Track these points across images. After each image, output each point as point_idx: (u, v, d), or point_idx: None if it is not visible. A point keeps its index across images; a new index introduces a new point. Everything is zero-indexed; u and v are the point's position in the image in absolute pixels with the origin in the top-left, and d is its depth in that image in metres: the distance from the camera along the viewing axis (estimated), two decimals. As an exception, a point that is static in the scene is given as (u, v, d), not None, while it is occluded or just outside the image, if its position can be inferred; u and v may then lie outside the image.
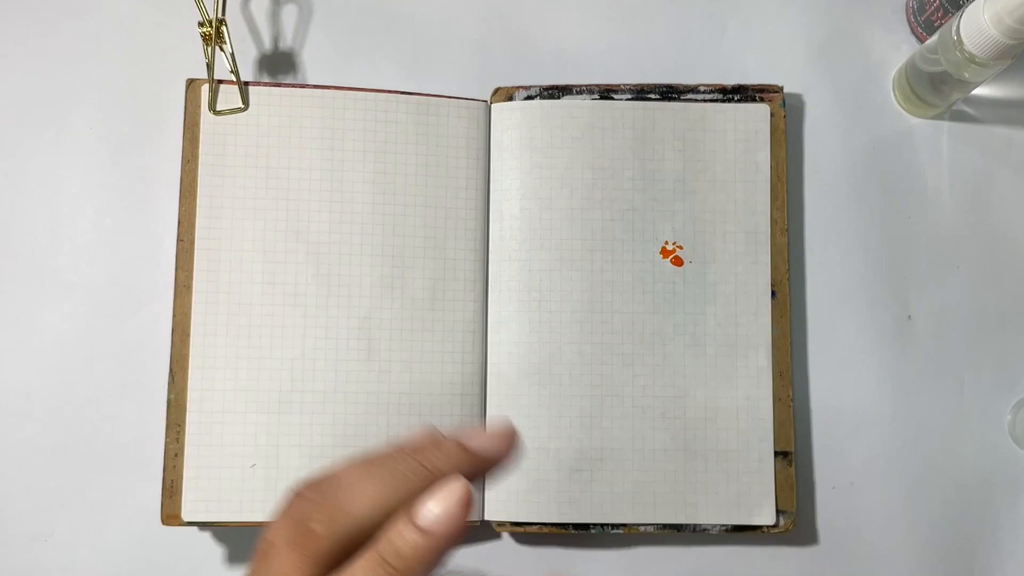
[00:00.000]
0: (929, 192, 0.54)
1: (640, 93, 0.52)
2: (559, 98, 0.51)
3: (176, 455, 0.48)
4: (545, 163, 0.51)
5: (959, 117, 0.54)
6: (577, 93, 0.52)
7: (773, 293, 0.51)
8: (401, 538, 0.27)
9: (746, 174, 0.51)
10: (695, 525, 0.49)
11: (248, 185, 0.50)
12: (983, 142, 0.54)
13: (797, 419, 0.52)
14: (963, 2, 0.48)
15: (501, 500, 0.49)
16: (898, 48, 0.55)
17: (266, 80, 0.53)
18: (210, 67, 0.50)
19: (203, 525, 0.49)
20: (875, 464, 0.52)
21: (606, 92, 0.52)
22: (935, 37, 0.48)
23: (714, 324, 0.50)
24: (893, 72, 0.55)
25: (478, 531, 0.51)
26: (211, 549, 0.51)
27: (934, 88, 0.51)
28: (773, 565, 0.51)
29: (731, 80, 0.54)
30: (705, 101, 0.52)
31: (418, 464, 0.28)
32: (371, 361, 0.49)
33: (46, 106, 0.53)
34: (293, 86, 0.51)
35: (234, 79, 0.50)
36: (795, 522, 0.49)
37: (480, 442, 0.30)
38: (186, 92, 0.50)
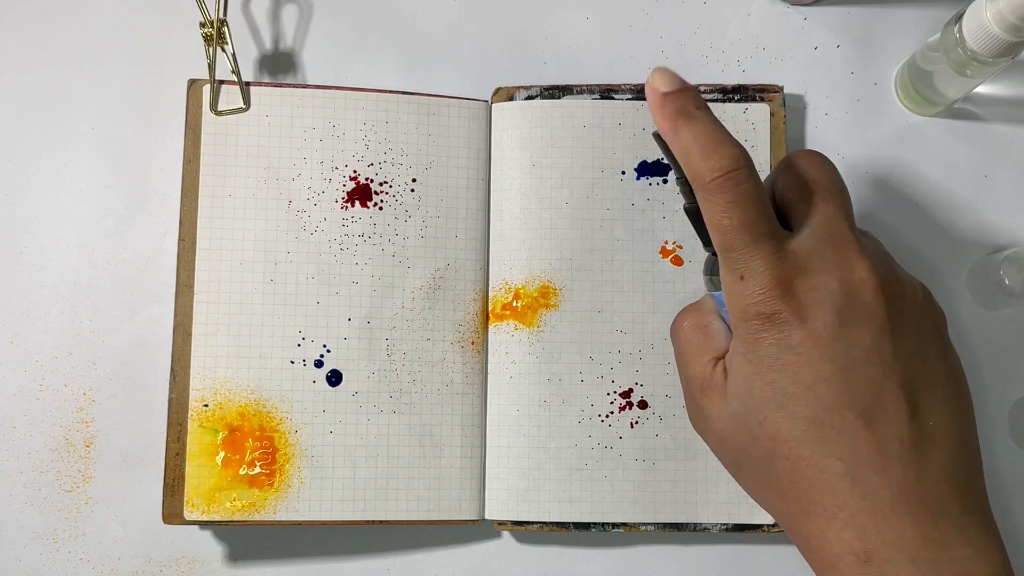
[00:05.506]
0: (930, 191, 0.54)
1: (640, 93, 0.52)
2: (559, 98, 0.52)
3: (177, 454, 0.48)
4: (545, 163, 0.51)
5: (960, 115, 0.54)
6: (577, 93, 0.52)
7: (773, 293, 0.51)
8: None
9: (746, 174, 0.51)
10: (695, 524, 0.49)
11: (249, 185, 0.50)
12: (984, 140, 0.54)
13: (797, 418, 0.52)
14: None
15: (501, 499, 0.49)
16: (900, 46, 0.54)
17: (267, 80, 0.54)
18: (211, 67, 0.50)
19: (204, 524, 0.49)
20: (875, 464, 0.52)
21: (606, 92, 0.52)
22: (937, 35, 0.48)
23: (714, 324, 0.50)
24: (895, 70, 0.54)
25: (478, 531, 0.51)
26: (212, 548, 0.51)
27: (936, 86, 0.50)
28: (773, 564, 0.51)
29: (731, 80, 0.53)
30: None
31: None
32: (371, 361, 0.50)
33: (47, 106, 0.53)
34: (294, 86, 0.51)
35: (235, 79, 0.50)
36: (795, 521, 0.49)
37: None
38: (188, 92, 0.50)
